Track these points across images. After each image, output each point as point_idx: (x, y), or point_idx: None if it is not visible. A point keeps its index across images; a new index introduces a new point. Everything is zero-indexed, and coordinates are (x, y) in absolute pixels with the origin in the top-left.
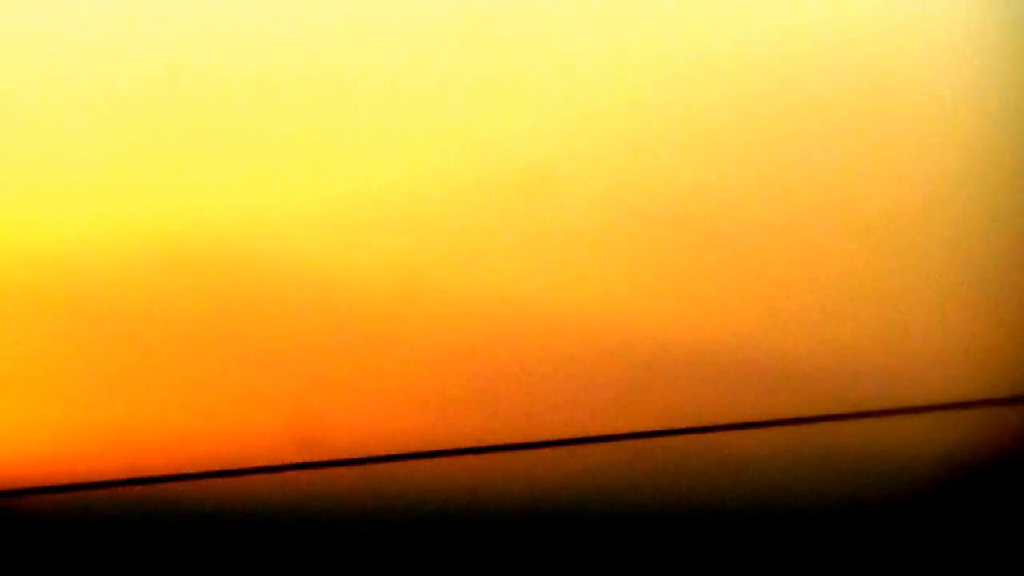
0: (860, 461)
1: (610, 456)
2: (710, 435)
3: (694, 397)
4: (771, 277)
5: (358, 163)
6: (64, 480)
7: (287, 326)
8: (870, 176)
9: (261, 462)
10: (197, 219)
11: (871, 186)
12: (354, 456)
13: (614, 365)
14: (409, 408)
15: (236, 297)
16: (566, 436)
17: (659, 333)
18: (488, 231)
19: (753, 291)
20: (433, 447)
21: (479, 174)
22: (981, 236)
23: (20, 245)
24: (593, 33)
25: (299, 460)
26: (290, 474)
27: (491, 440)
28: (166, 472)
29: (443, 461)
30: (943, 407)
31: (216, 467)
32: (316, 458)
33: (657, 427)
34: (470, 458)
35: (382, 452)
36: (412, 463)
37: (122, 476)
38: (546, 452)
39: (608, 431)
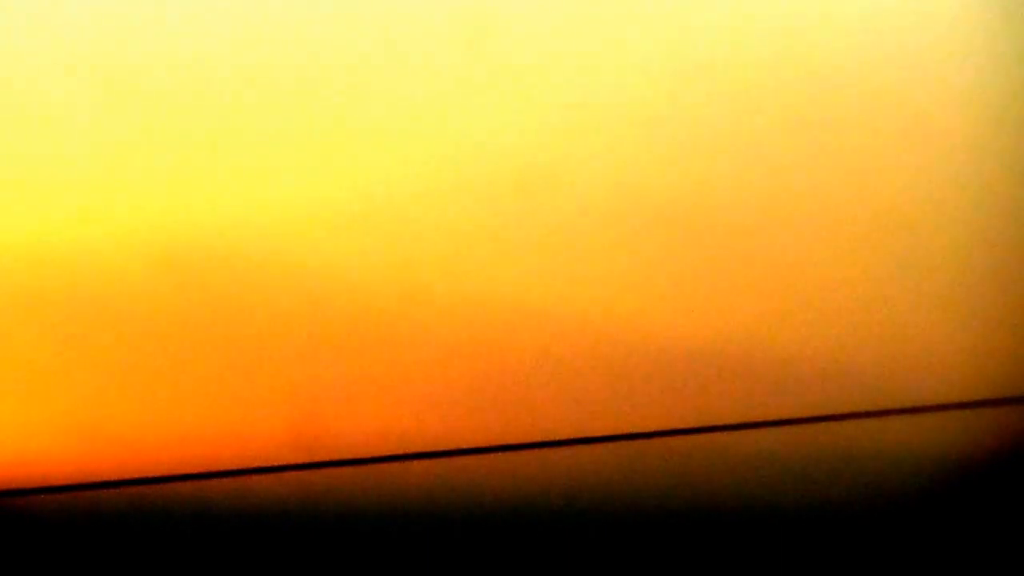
0: (860, 461)
1: (610, 456)
2: (710, 435)
3: (694, 397)
4: (771, 277)
5: (358, 163)
6: (64, 480)
7: (287, 326)
8: (870, 176)
9: (261, 462)
10: (197, 219)
11: (871, 186)
12: (354, 456)
13: (614, 365)
14: (409, 408)
15: (236, 297)
16: (566, 436)
17: (659, 333)
18: (488, 231)
19: (753, 291)
20: (433, 447)
21: (479, 174)
22: (981, 236)
23: (20, 245)
24: (593, 33)
25: (299, 460)
26: (290, 474)
27: (491, 440)
28: (166, 472)
29: (443, 461)
30: (943, 407)
31: (216, 467)
32: (316, 458)
33: (657, 427)
34: (470, 458)
35: (382, 452)
36: (412, 463)
37: (122, 476)
38: (546, 452)
39: (608, 431)
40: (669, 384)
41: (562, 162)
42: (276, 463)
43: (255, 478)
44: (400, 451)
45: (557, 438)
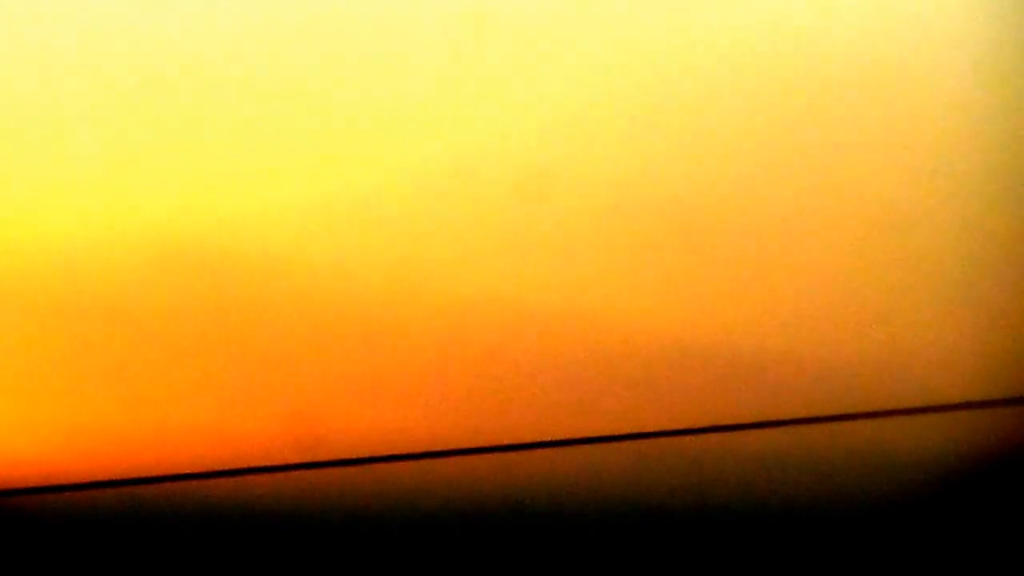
0: (860, 461)
1: (610, 456)
2: (710, 435)
3: (694, 397)
4: (771, 277)
5: (358, 163)
6: (64, 480)
7: (287, 326)
8: (870, 176)
9: (261, 462)
10: (197, 219)
11: (871, 186)
12: (354, 456)
13: (614, 365)
14: (409, 408)
15: (236, 297)
16: (566, 436)
17: (660, 333)
18: (488, 231)
19: (753, 291)
20: (433, 447)
21: (479, 174)
22: (981, 236)
23: (20, 245)
24: (593, 33)
25: (299, 460)
26: (290, 474)
27: (491, 440)
28: (166, 472)
29: (443, 461)
30: (943, 407)
31: (216, 467)
32: (316, 458)
33: (657, 427)
34: (470, 458)
35: (382, 452)
36: (412, 463)
37: (122, 476)
38: (546, 452)
39: (609, 431)
40: (669, 384)
41: (562, 162)
42: (276, 463)
43: (255, 478)
44: (400, 451)
45: (557, 438)
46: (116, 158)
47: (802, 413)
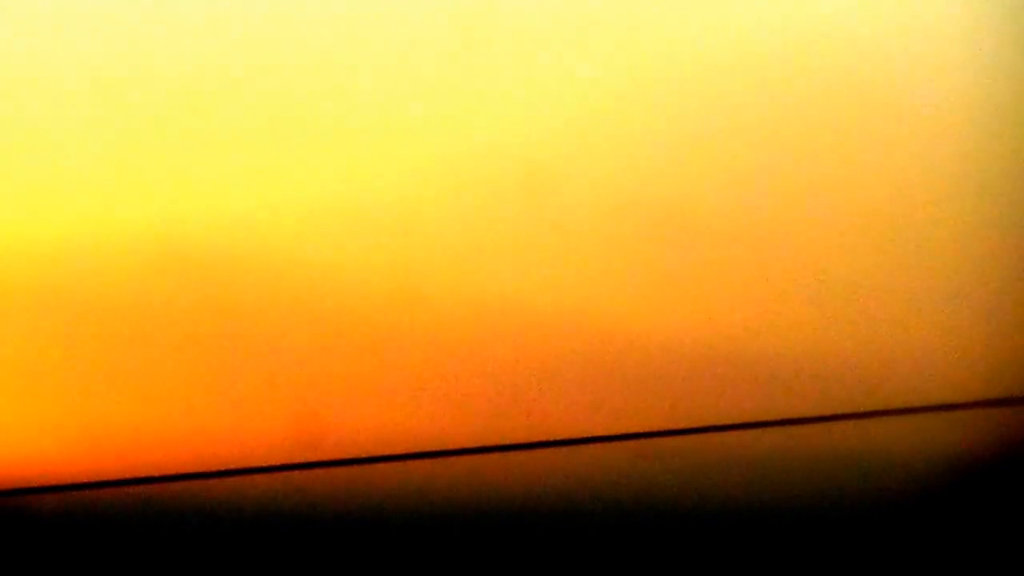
0: (860, 461)
1: (610, 456)
2: (710, 435)
3: (694, 397)
4: (771, 277)
5: (357, 163)
6: (64, 480)
7: (287, 326)
8: (870, 176)
9: (261, 462)
10: (197, 219)
11: (871, 186)
12: (354, 456)
13: (614, 365)
14: (409, 408)
15: (236, 297)
16: (566, 436)
17: (660, 333)
18: (488, 231)
19: (752, 291)
20: (433, 447)
21: (479, 174)
22: (981, 236)
23: (20, 245)
24: (592, 34)
25: (299, 460)
26: (290, 474)
27: (491, 440)
28: (166, 472)
29: (443, 461)
30: (943, 407)
31: (216, 467)
32: (316, 458)
33: (657, 427)
34: (470, 458)
35: (382, 452)
36: (412, 463)
37: (122, 476)
38: (546, 452)
39: (608, 431)
40: (669, 384)
41: (562, 162)
42: (276, 463)
43: (255, 478)
44: (400, 451)
45: (557, 438)
46: (116, 158)
47: (802, 413)
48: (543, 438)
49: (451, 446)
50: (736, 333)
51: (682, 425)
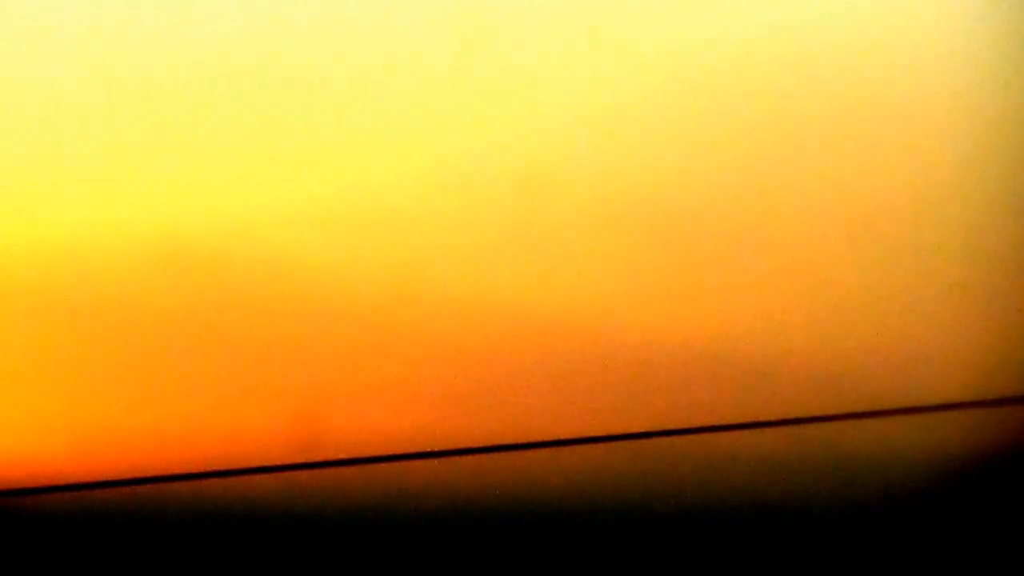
0: (860, 461)
1: (610, 456)
2: (710, 435)
3: (694, 397)
4: (770, 277)
5: (357, 163)
6: (64, 480)
7: (287, 326)
8: (869, 176)
9: (261, 462)
10: (197, 219)
11: (871, 186)
12: (354, 456)
13: (614, 365)
14: (409, 408)
15: (236, 297)
16: (566, 436)
17: (659, 333)
18: (488, 232)
19: (752, 291)
20: (433, 447)
21: (479, 174)
22: (981, 236)
23: (20, 245)
24: (591, 34)
25: (299, 460)
26: (290, 474)
27: (491, 440)
28: (166, 472)
29: (443, 461)
30: (943, 407)
31: (216, 467)
32: (316, 458)
33: (657, 427)
34: (470, 458)
35: (382, 452)
36: (412, 463)
37: (122, 476)
38: (546, 452)
39: (608, 431)
40: (668, 384)
41: (562, 163)
42: (276, 463)
43: (255, 478)
44: (400, 451)
45: (557, 438)
46: (116, 158)
47: (802, 413)
48: (543, 438)
49: (451, 446)
50: (736, 333)
51: (682, 425)
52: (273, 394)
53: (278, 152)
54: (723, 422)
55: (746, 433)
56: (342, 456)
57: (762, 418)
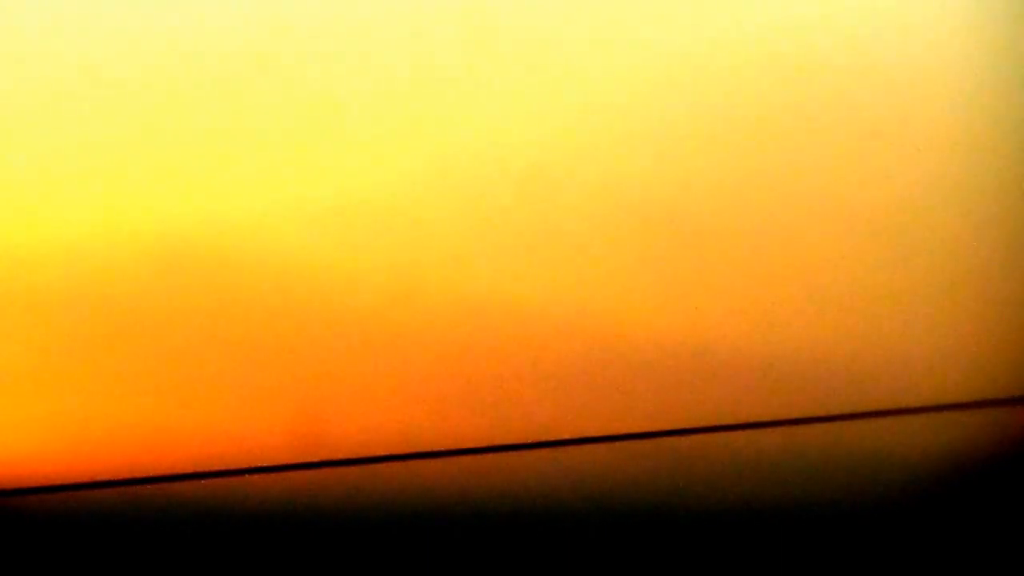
0: (860, 461)
1: (610, 456)
2: (710, 435)
3: (693, 397)
4: (770, 277)
5: (357, 163)
6: (64, 480)
7: (287, 326)
8: (869, 176)
9: (261, 462)
10: (197, 219)
11: (870, 186)
12: (354, 456)
13: (614, 365)
14: (409, 408)
15: (236, 297)
16: (566, 436)
17: (659, 333)
18: (488, 232)
19: (752, 291)
20: (433, 447)
21: (479, 174)
22: (981, 236)
23: (20, 245)
24: (591, 35)
25: (299, 460)
26: (290, 474)
27: (491, 440)
28: (166, 472)
29: (443, 461)
30: (943, 407)
31: (216, 467)
32: (316, 458)
33: (657, 427)
34: (470, 458)
35: (382, 452)
36: (412, 463)
37: (122, 476)
38: (546, 452)
39: (608, 431)
40: (668, 384)
41: (562, 163)
42: (276, 463)
43: (255, 478)
44: (400, 451)
45: (557, 438)
46: (116, 158)
47: (802, 413)
48: (543, 438)
49: (451, 446)
50: (736, 333)
51: (682, 425)
52: (273, 394)
53: (278, 152)
54: (723, 422)
55: (746, 433)
56: (342, 456)
57: (762, 418)
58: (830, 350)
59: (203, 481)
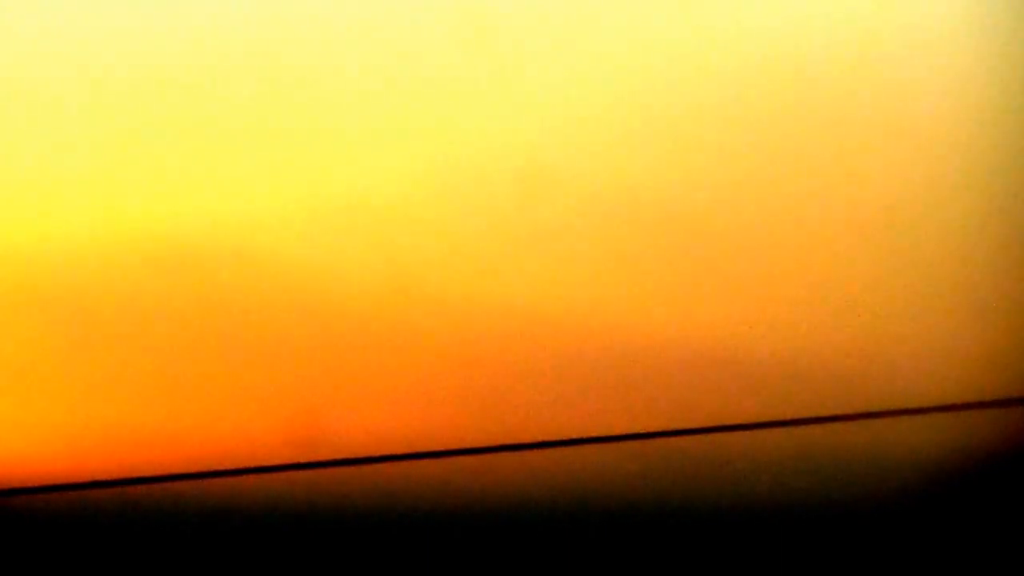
0: (860, 461)
1: (610, 456)
2: (710, 435)
3: (694, 397)
4: (770, 277)
5: (356, 163)
6: (64, 480)
7: (287, 326)
8: (869, 176)
9: (261, 462)
10: (196, 219)
11: (870, 186)
12: (354, 456)
13: (614, 365)
14: (409, 408)
15: (236, 297)
16: (566, 436)
17: (659, 333)
18: (487, 232)
19: (752, 291)
20: (433, 447)
21: (479, 174)
22: (981, 236)
23: (20, 245)
24: (591, 35)
25: (299, 460)
26: (290, 474)
27: (491, 440)
28: (166, 472)
29: (443, 461)
30: (943, 407)
31: (216, 467)
32: (316, 458)
33: (657, 427)
34: (470, 458)
35: (382, 452)
36: (412, 463)
37: (122, 476)
38: (546, 452)
39: (608, 431)
40: (668, 384)
41: (562, 163)
42: (276, 463)
43: (255, 478)
44: (400, 451)
45: (557, 438)
46: (116, 158)
47: (802, 413)
48: (543, 438)
49: (451, 446)
50: (735, 333)
51: (682, 425)
52: (273, 394)
53: (277, 152)
54: (723, 422)
55: (746, 433)
56: (342, 456)
57: (762, 418)
58: (830, 350)
59: (203, 481)
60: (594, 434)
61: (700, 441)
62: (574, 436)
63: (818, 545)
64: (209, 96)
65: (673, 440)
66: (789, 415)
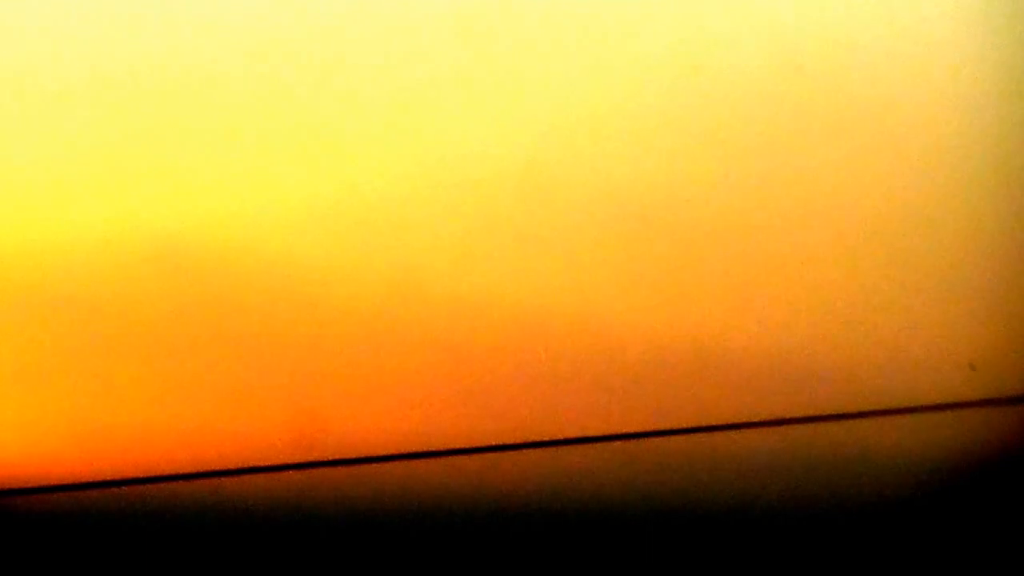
0: (860, 461)
1: (609, 456)
2: (710, 435)
3: (693, 397)
4: (770, 277)
5: (356, 163)
6: (64, 480)
7: (287, 326)
8: (869, 176)
9: (261, 462)
10: (196, 219)
11: (870, 186)
12: (354, 456)
13: (613, 365)
14: (409, 408)
15: (236, 297)
16: (566, 436)
17: (659, 333)
18: (488, 232)
19: (752, 291)
20: (433, 447)
21: (478, 174)
22: (981, 237)
23: (20, 245)
24: (590, 35)
25: (299, 460)
26: (290, 474)
27: (491, 440)
28: (166, 472)
29: (443, 461)
30: (943, 407)
31: (216, 467)
32: (316, 458)
33: (656, 427)
34: (470, 458)
35: (382, 452)
36: (412, 463)
37: (122, 476)
38: (546, 452)
39: (607, 431)
40: (668, 384)
41: (562, 163)
42: (276, 463)
43: (255, 478)
44: (400, 451)
45: (556, 438)
46: (116, 158)
47: (801, 413)
48: (543, 438)
49: (451, 446)
50: (735, 333)
51: (682, 425)
52: (273, 394)
53: (277, 152)
54: (723, 422)
55: (746, 433)
56: (341, 456)
57: (762, 418)
58: (830, 350)
59: (203, 481)
60: (594, 434)
61: (700, 441)
62: (574, 436)
63: (818, 545)
64: (209, 96)
65: (673, 440)
66: (788, 415)
